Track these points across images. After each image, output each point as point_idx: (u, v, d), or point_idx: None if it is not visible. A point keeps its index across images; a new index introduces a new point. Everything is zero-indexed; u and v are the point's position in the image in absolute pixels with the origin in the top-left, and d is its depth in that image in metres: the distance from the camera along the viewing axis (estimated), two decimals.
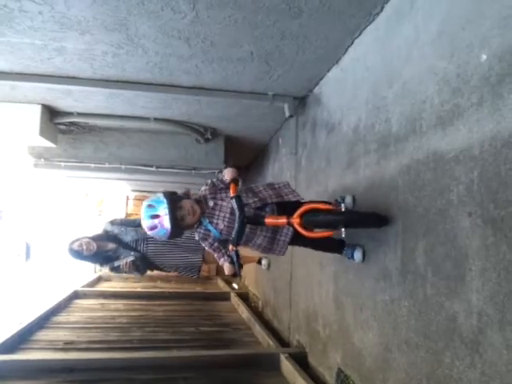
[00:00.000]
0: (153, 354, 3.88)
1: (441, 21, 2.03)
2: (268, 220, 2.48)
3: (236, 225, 2.39)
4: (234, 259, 2.46)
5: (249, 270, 6.78)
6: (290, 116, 4.16)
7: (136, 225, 4.34)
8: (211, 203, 2.56)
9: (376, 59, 2.70)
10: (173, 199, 2.43)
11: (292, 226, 2.47)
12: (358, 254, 2.73)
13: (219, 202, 2.57)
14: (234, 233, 2.41)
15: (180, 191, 2.61)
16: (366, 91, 2.82)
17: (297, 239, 2.69)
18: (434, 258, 1.99)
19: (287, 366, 3.56)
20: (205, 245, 2.65)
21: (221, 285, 7.80)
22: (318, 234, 2.53)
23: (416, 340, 2.11)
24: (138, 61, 3.35)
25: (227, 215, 2.54)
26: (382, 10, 2.59)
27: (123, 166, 5.65)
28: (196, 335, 4.69)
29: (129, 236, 4.36)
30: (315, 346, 3.58)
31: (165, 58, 3.30)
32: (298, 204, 2.65)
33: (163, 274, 7.91)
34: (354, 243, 2.80)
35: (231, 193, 2.45)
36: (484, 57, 1.70)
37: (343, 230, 2.40)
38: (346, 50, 3.10)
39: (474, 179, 1.74)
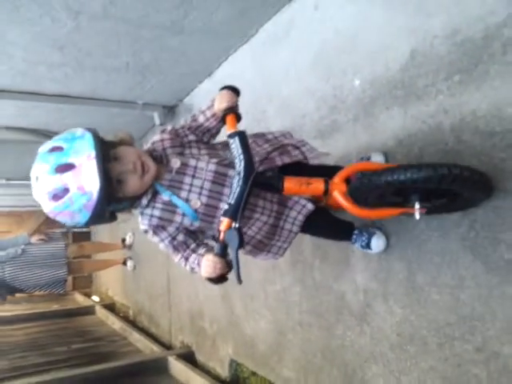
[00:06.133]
0: (27, 380, 3.61)
1: (317, 49, 2.35)
2: (288, 184, 1.41)
3: (239, 184, 1.34)
4: (235, 244, 1.29)
5: (112, 278, 6.60)
6: (160, 124, 4.27)
7: None
8: (176, 163, 1.47)
9: (254, 75, 2.94)
10: (101, 138, 1.36)
11: (325, 196, 1.46)
12: (376, 242, 1.88)
13: (191, 162, 1.48)
14: (232, 197, 1.34)
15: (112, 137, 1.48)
16: (246, 103, 3.06)
17: (311, 223, 1.68)
18: (321, 244, 2.33)
19: (177, 367, 3.66)
20: (159, 239, 1.51)
21: (80, 299, 7.39)
22: (384, 212, 1.48)
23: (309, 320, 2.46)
24: None
25: (207, 184, 1.47)
26: (256, 32, 2.87)
27: None
28: (70, 353, 4.45)
29: None
30: (202, 343, 3.75)
31: (32, 66, 3.11)
32: (318, 168, 1.71)
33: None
34: (365, 225, 1.96)
35: (230, 128, 1.45)
36: (357, 82, 2.09)
37: (417, 205, 1.33)
38: (220, 64, 3.32)
39: None
